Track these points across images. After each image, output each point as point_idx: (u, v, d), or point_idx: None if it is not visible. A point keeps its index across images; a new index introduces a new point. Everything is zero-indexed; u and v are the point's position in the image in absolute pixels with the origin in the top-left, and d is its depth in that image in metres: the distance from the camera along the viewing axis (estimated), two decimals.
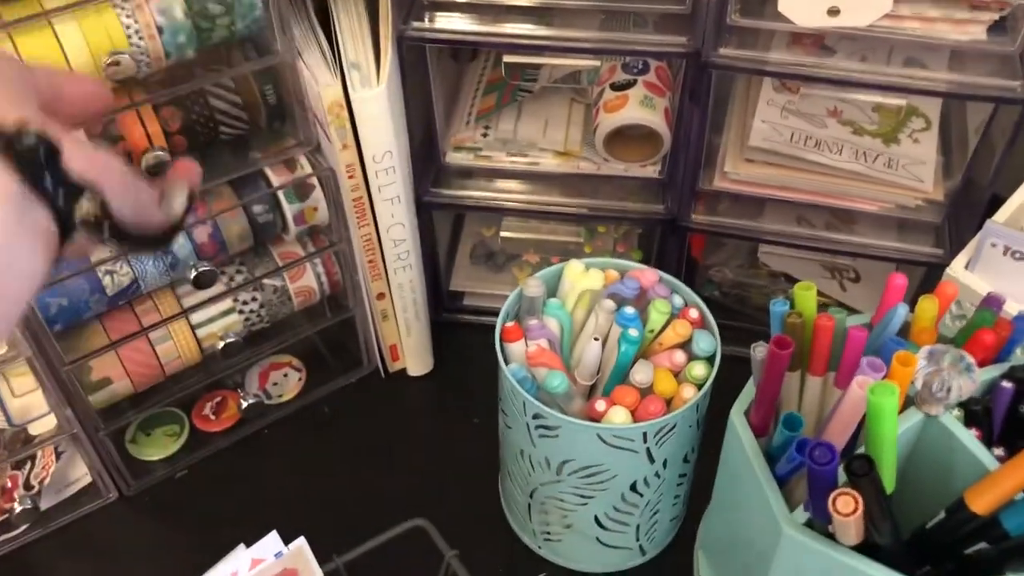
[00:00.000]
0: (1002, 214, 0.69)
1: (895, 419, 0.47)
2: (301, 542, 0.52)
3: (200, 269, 0.64)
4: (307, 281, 0.72)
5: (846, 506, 0.44)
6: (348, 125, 0.63)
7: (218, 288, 0.68)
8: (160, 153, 0.60)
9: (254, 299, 0.70)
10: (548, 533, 0.67)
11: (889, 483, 0.49)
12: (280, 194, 0.66)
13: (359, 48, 0.64)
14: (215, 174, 0.63)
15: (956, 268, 0.66)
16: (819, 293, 0.79)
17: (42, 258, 0.34)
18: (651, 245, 0.83)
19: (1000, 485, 0.48)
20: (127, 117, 0.59)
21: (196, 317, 0.68)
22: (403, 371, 0.81)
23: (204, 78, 0.61)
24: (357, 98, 0.62)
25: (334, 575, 0.53)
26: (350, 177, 0.66)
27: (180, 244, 0.65)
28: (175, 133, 0.62)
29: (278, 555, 0.51)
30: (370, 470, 0.74)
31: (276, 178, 0.66)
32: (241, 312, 0.70)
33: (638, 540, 0.66)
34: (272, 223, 0.68)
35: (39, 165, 0.34)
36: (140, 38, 0.55)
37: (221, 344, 0.69)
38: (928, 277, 0.73)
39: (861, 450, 0.52)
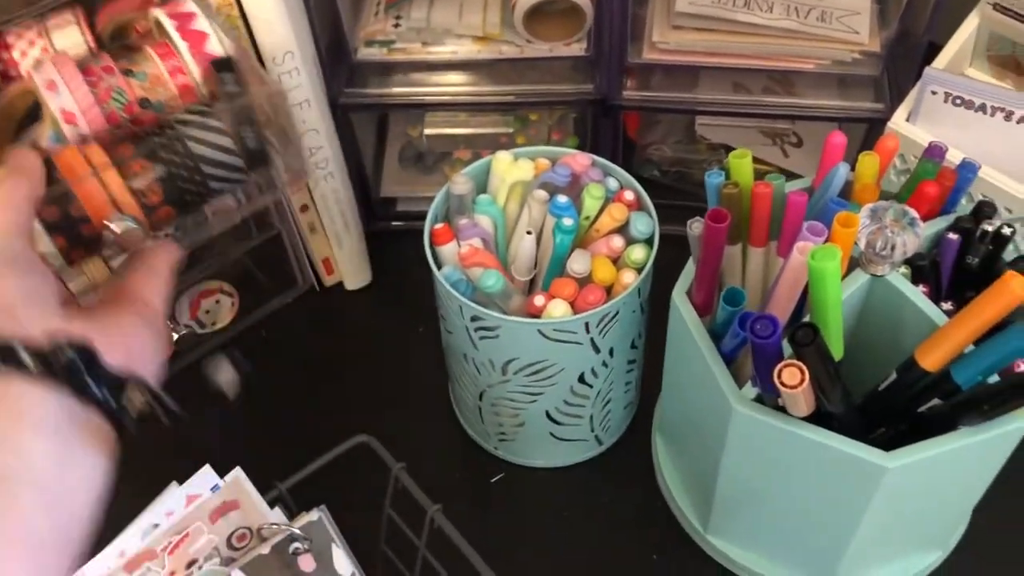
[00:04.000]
0: (940, 60, 0.66)
1: (838, 283, 0.45)
2: (237, 472, 0.50)
3: None
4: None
5: (792, 378, 0.42)
6: (240, 24, 0.58)
7: None
8: (128, 223, 0.47)
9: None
10: (502, 433, 0.65)
11: (837, 349, 0.48)
12: None
13: None
14: None
15: (897, 121, 0.64)
16: (761, 161, 0.77)
17: (103, 462, 0.36)
18: (587, 129, 0.79)
19: (949, 340, 0.47)
20: (90, 188, 0.46)
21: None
22: (340, 285, 0.78)
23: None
24: None
25: (278, 503, 0.51)
26: None
27: None
28: (159, 206, 0.49)
29: (214, 489, 0.49)
30: (315, 390, 0.71)
31: None
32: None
33: (593, 431, 0.64)
34: None
35: (80, 373, 0.34)
36: None
37: None
38: (871, 134, 0.70)
39: (807, 318, 0.50)
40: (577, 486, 0.66)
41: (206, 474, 0.49)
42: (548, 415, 0.62)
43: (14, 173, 0.42)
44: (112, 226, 0.46)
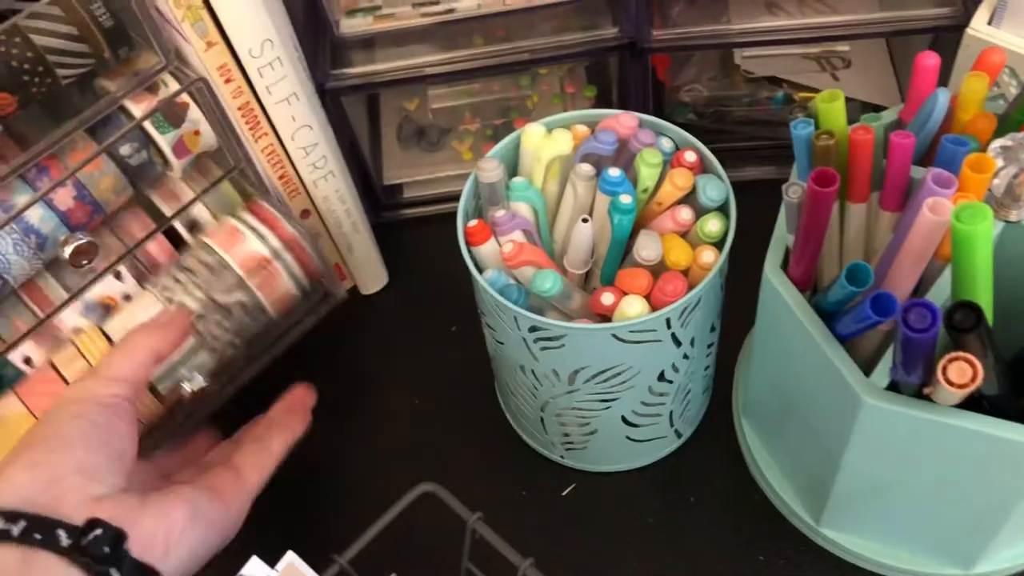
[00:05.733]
0: None
1: (990, 247, 0.37)
2: (290, 558, 0.42)
3: (75, 243, 0.51)
4: (250, 247, 0.54)
5: (962, 376, 0.35)
6: (206, 16, 0.48)
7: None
8: None
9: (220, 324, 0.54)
10: (570, 443, 0.57)
11: (989, 322, 0.40)
12: (148, 125, 0.52)
13: None
14: (60, 122, 0.49)
15: (978, 25, 0.55)
16: (810, 88, 0.68)
17: None
18: (605, 77, 0.70)
19: None
20: None
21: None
22: (354, 291, 0.69)
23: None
24: None
25: None
26: (227, 81, 0.52)
27: (41, 217, 0.51)
28: None
29: None
30: (344, 418, 0.63)
31: (137, 107, 0.52)
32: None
33: (672, 426, 0.57)
34: (148, 163, 0.54)
35: (104, 557, 0.37)
36: None
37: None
38: (937, 46, 0.61)
39: (937, 289, 0.42)
40: (660, 486, 0.59)
41: (255, 567, 0.41)
42: (624, 419, 0.54)
43: (153, 328, 0.49)
44: None
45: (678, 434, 0.59)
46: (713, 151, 0.51)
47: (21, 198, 0.50)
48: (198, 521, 0.43)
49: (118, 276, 0.54)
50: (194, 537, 0.42)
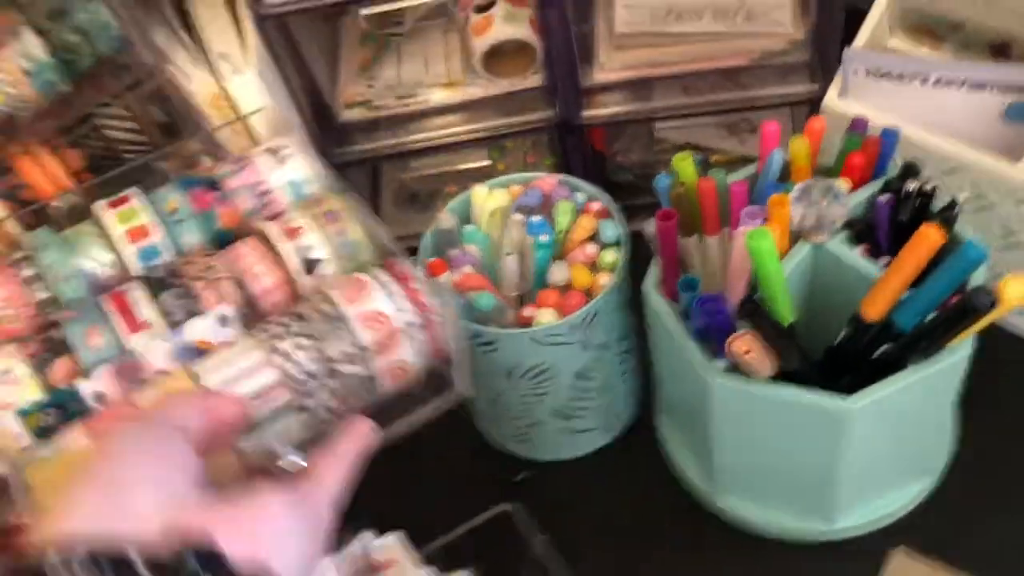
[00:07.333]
0: (862, 36, 0.72)
1: (775, 257, 0.52)
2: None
3: None
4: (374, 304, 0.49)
5: (741, 347, 0.49)
6: (242, 129, 0.66)
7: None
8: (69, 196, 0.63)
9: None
10: (521, 434, 0.72)
11: (786, 315, 0.54)
12: None
13: (224, 37, 0.66)
14: None
15: (831, 99, 0.70)
16: (722, 151, 0.84)
17: None
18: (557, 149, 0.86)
19: (885, 291, 0.53)
20: (25, 164, 0.62)
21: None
22: None
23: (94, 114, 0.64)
24: (233, 88, 0.64)
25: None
26: None
27: None
28: (80, 172, 0.65)
29: None
30: None
31: None
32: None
33: (603, 420, 0.71)
34: None
35: None
36: (10, 87, 0.57)
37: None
38: (813, 114, 0.76)
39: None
40: (594, 472, 0.72)
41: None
42: (557, 412, 0.68)
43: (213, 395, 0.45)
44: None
45: (611, 429, 0.73)
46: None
47: None
48: (296, 511, 0.36)
49: (223, 321, 0.50)
50: (296, 533, 0.36)
